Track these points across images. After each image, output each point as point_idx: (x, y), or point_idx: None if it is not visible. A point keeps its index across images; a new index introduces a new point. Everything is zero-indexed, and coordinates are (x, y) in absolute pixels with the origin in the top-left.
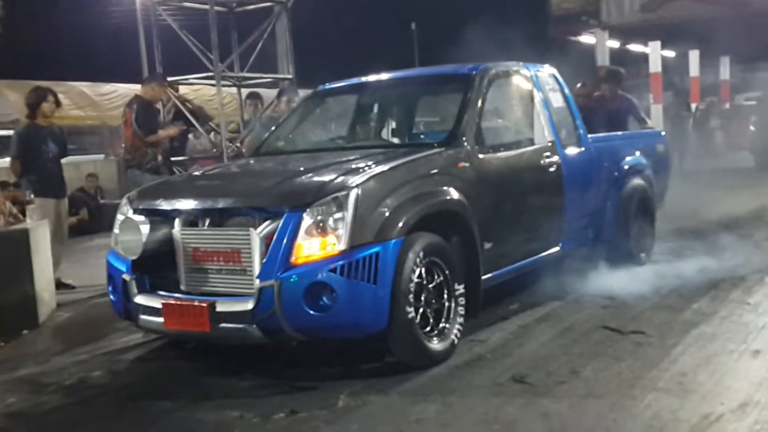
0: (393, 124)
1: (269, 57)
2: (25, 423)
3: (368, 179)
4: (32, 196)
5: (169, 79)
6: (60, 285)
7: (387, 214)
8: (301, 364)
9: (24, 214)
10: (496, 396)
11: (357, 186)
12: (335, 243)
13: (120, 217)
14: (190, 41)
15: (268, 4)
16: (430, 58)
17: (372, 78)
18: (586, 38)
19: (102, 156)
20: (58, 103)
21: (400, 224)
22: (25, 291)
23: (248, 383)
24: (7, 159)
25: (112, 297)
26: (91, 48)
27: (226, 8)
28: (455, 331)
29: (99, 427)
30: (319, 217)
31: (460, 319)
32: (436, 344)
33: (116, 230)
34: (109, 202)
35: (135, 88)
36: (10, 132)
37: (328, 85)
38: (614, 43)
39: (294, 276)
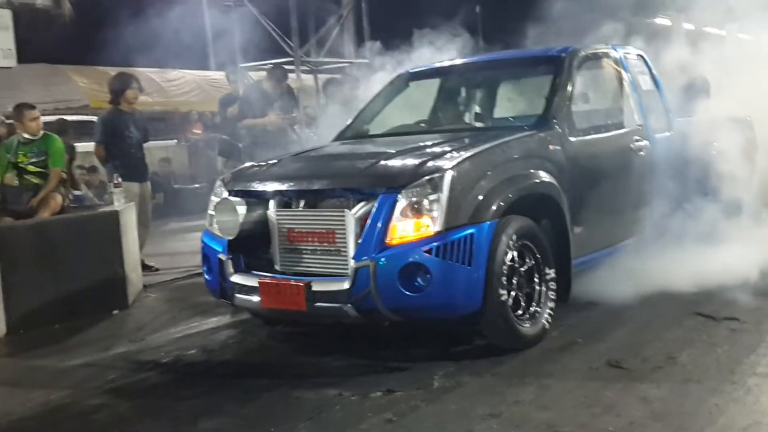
0: (480, 108)
1: (335, 43)
2: (128, 399)
3: (462, 161)
4: (119, 179)
5: (244, 65)
6: (144, 267)
7: (481, 196)
8: (391, 346)
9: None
10: (593, 380)
11: (452, 168)
12: (430, 224)
13: (215, 199)
14: (269, 26)
15: None
16: (495, 42)
17: (457, 61)
18: (661, 20)
19: (174, 141)
20: (140, 89)
21: (494, 207)
22: (115, 271)
23: (341, 363)
24: (81, 144)
25: (207, 276)
26: (158, 34)
27: None
28: (546, 315)
29: (202, 402)
30: (414, 199)
31: (551, 304)
32: (527, 328)
33: (212, 211)
34: (183, 186)
35: (202, 75)
36: (82, 117)
37: (412, 69)
38: (690, 26)
39: (389, 257)
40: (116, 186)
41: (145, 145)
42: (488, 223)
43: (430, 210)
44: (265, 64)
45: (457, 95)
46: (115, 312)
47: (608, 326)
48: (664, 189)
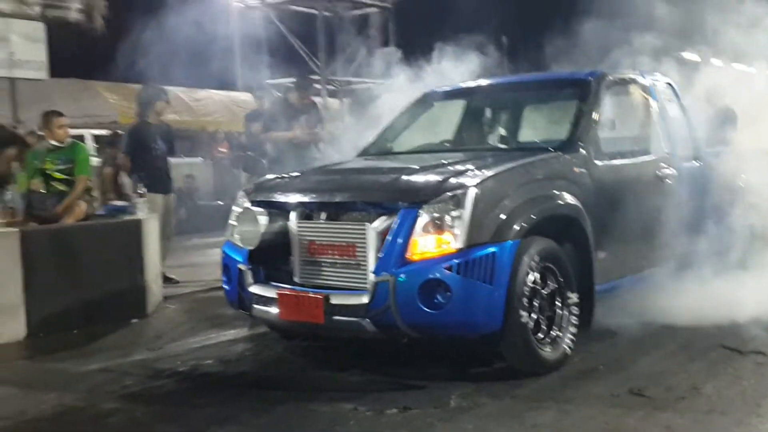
0: (505, 128)
1: (362, 63)
2: (143, 404)
3: (487, 179)
4: (144, 190)
5: (271, 81)
6: (165, 279)
7: (504, 215)
8: (409, 364)
9: None
10: (614, 407)
11: (475, 185)
12: (451, 241)
13: (237, 209)
14: (297, 45)
15: (373, 10)
16: (521, 64)
17: (483, 82)
18: (689, 55)
19: (199, 159)
20: (168, 102)
21: (517, 226)
22: (136, 281)
23: (358, 378)
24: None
25: (226, 287)
26: (187, 53)
27: (332, 13)
28: (567, 340)
29: (216, 411)
30: (436, 215)
31: (573, 329)
32: (548, 352)
33: (233, 221)
34: (206, 203)
35: (229, 95)
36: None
37: (437, 89)
38: (718, 62)
39: (409, 272)
40: (140, 196)
41: (171, 161)
42: (511, 242)
43: (452, 226)
44: (292, 81)
45: (482, 116)
46: (134, 320)
47: (631, 355)
48: (690, 218)
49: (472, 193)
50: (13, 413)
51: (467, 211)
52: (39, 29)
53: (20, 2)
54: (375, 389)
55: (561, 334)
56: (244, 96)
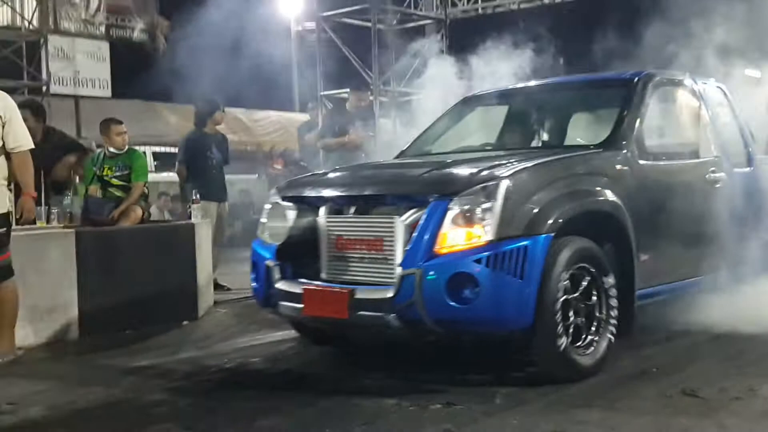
0: (547, 128)
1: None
2: (189, 397)
3: (520, 171)
4: (198, 197)
5: (324, 92)
6: (216, 286)
7: (538, 207)
8: (452, 367)
9: None
10: (666, 407)
11: (507, 177)
12: (481, 234)
13: (268, 206)
14: (351, 57)
15: (427, 21)
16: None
17: (525, 84)
18: (751, 72)
19: (255, 176)
20: (223, 112)
21: (551, 220)
22: (187, 284)
23: (400, 378)
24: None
25: (254, 284)
26: (246, 75)
27: (386, 25)
28: (605, 344)
29: (261, 404)
30: (466, 207)
31: (612, 330)
32: (582, 356)
33: (263, 218)
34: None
35: (285, 116)
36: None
37: (478, 92)
38: None
39: (437, 266)
40: (194, 202)
41: (228, 178)
42: (544, 236)
43: (483, 219)
44: (344, 92)
45: (525, 118)
46: (185, 323)
47: (685, 359)
48: (742, 225)
49: (504, 184)
50: (62, 403)
51: (498, 203)
52: (103, 48)
53: (85, 22)
54: (419, 387)
55: (598, 338)
56: (301, 116)
